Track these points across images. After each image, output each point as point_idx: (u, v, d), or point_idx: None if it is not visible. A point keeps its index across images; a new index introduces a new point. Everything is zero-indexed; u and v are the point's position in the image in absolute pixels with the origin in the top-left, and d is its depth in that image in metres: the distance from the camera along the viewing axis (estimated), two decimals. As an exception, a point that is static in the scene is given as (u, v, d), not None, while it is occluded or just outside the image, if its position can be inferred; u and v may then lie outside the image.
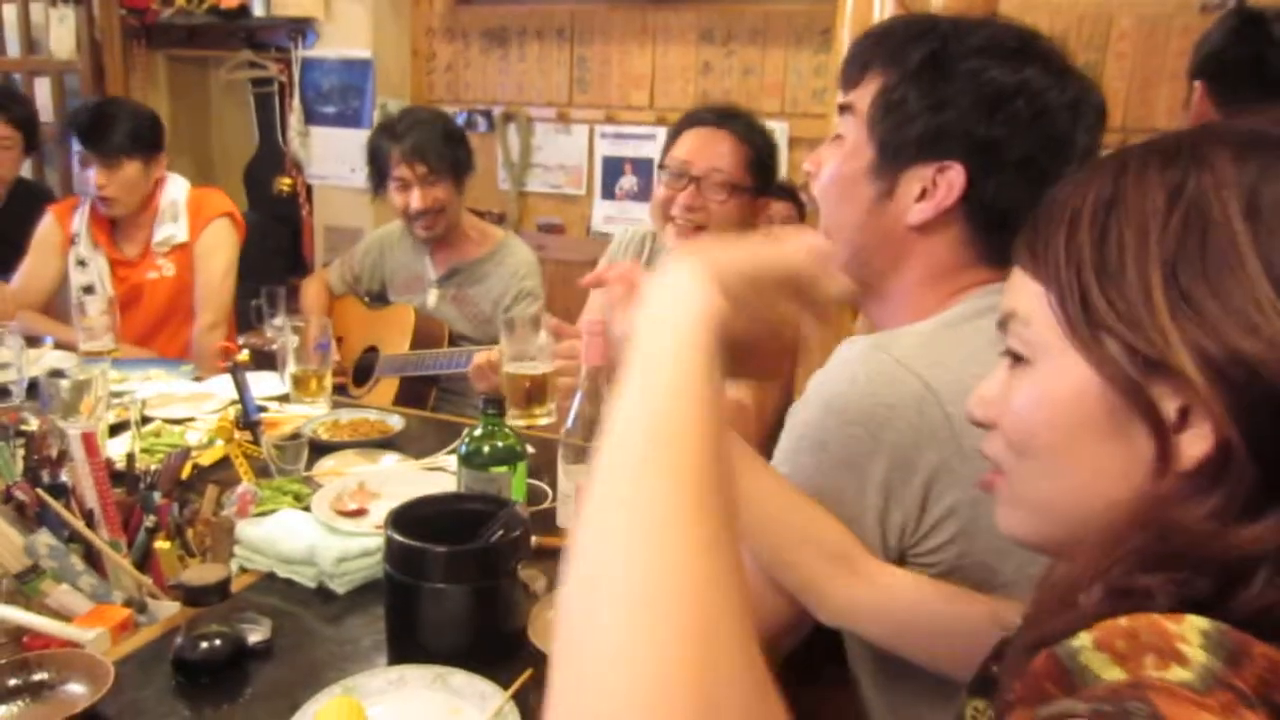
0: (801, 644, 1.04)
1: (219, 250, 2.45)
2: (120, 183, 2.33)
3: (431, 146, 2.15)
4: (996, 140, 0.87)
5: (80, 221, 2.43)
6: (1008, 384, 0.58)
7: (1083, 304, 0.52)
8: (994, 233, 0.89)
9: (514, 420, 1.46)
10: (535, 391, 1.43)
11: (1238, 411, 0.46)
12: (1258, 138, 0.51)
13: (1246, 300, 0.46)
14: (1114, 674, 0.44)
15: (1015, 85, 0.87)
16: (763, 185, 1.79)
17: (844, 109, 0.96)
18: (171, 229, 2.43)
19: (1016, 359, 0.58)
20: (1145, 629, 0.45)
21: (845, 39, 1.47)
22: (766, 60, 3.19)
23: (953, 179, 0.88)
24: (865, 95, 0.93)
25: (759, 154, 1.77)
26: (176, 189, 2.47)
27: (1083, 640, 0.46)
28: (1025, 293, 0.57)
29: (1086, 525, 0.54)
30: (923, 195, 0.90)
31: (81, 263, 2.44)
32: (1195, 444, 0.48)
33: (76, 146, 2.35)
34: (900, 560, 0.89)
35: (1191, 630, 0.44)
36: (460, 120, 3.57)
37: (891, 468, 0.85)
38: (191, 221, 2.44)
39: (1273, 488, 0.46)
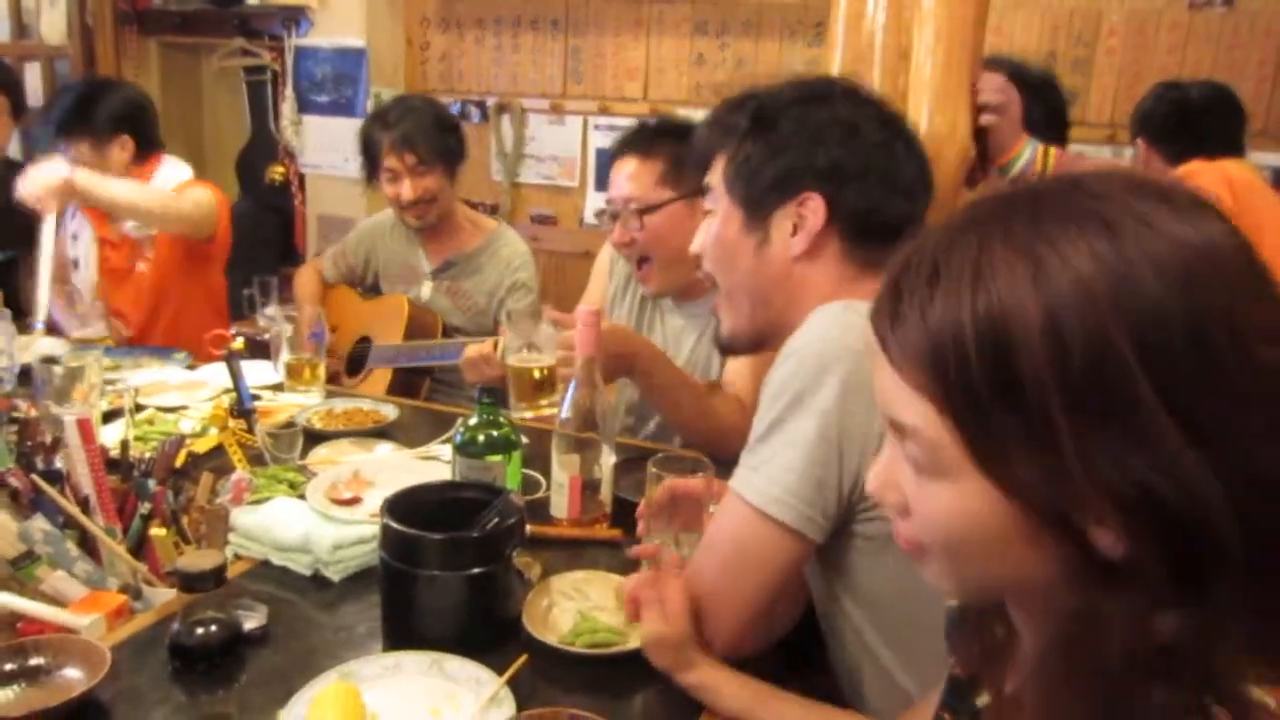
0: (794, 633, 1.06)
1: (185, 192, 2.38)
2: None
3: (422, 136, 2.14)
4: (834, 163, 1.03)
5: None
6: (914, 481, 0.56)
7: (985, 432, 0.50)
8: (866, 235, 1.04)
9: (520, 412, 1.47)
10: (541, 382, 1.44)
11: (1146, 533, 0.48)
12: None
13: (1147, 434, 0.46)
14: None
15: (830, 118, 1.04)
16: (695, 184, 1.67)
17: (705, 190, 1.13)
18: None
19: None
20: None
21: (839, 32, 1.48)
22: (760, 53, 3.19)
23: (814, 206, 1.02)
24: (716, 171, 1.10)
25: (674, 160, 1.68)
26: (168, 177, 2.42)
27: None
28: (911, 408, 0.54)
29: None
30: (795, 230, 1.04)
31: (74, 236, 2.45)
32: (1113, 546, 0.49)
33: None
34: (847, 519, 0.95)
35: None
36: (454, 111, 3.57)
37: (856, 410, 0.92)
38: None
39: (1181, 583, 0.48)
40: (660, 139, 1.72)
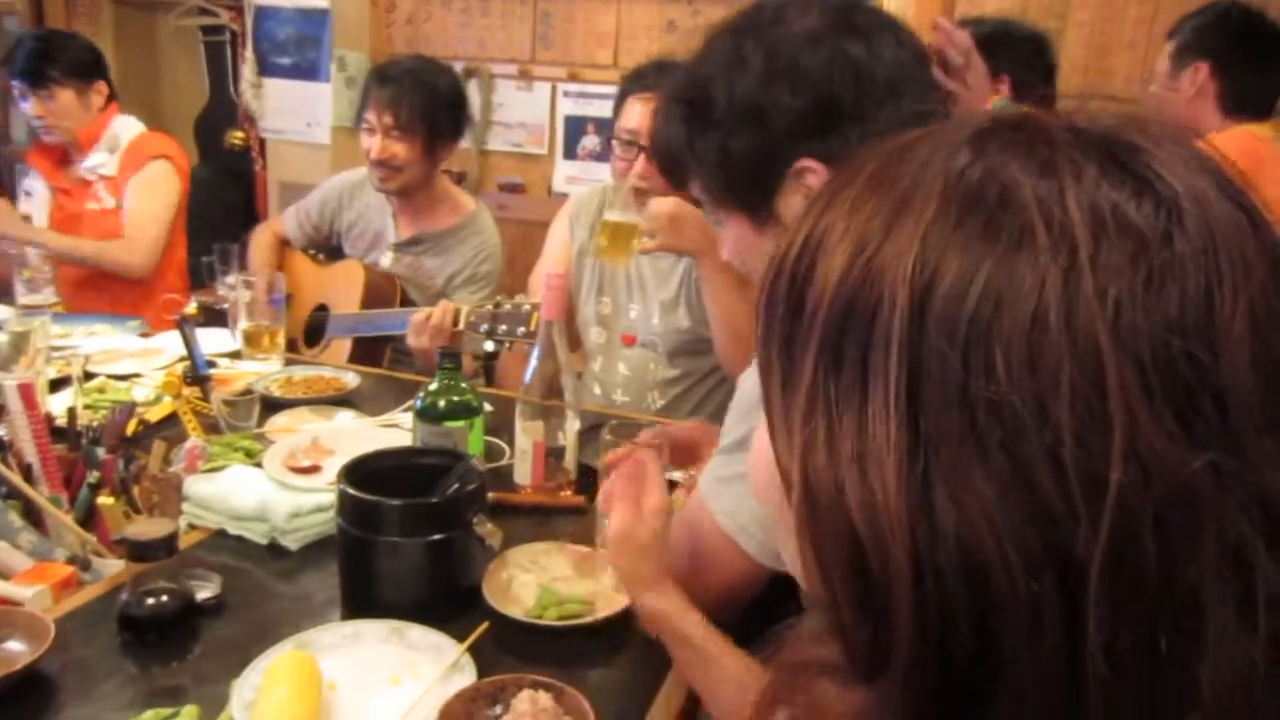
0: (767, 588, 1.04)
1: (149, 189, 2.40)
2: (55, 111, 2.33)
3: (408, 102, 2.09)
4: (800, 112, 0.86)
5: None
6: None
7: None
8: None
9: (601, 255, 1.71)
10: (626, 235, 1.60)
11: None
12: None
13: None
14: None
15: (767, 55, 0.87)
16: None
17: (700, 204, 1.00)
18: (103, 158, 2.41)
19: None
20: None
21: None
22: (732, 20, 3.15)
23: (812, 165, 0.88)
24: (696, 184, 0.97)
25: None
26: (125, 125, 2.44)
27: None
28: None
29: None
30: (808, 193, 0.94)
31: (28, 193, 2.47)
32: None
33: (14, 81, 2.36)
34: None
35: None
36: (419, 75, 3.48)
37: None
38: (126, 158, 2.41)
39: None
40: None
